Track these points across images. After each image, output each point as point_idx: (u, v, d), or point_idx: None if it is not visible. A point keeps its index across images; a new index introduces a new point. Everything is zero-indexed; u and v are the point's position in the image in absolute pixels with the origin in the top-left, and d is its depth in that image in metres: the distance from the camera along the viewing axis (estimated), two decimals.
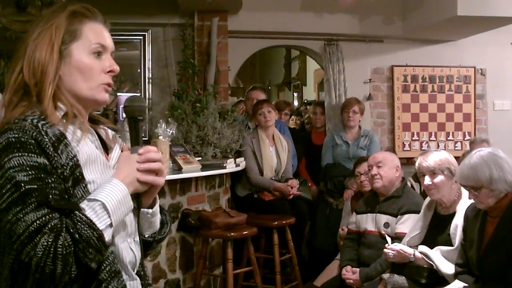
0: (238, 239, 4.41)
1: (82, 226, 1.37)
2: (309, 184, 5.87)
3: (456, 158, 3.61)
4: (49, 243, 1.32)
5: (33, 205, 1.34)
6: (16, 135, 1.39)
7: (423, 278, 3.41)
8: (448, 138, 7.19)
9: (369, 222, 4.09)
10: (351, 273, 3.96)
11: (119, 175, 1.49)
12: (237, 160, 4.95)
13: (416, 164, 3.58)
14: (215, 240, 4.72)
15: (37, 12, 5.00)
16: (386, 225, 3.96)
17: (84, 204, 1.41)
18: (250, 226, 4.45)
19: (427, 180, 3.47)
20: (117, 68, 1.60)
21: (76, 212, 1.38)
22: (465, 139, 7.15)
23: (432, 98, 7.18)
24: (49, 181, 1.39)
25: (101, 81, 1.57)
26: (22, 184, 1.35)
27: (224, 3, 5.94)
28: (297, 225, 5.06)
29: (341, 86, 6.74)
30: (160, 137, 4.04)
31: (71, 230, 1.35)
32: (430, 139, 7.14)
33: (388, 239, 3.66)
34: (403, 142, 7.08)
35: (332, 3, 6.60)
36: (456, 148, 7.09)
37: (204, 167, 4.59)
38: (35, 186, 1.36)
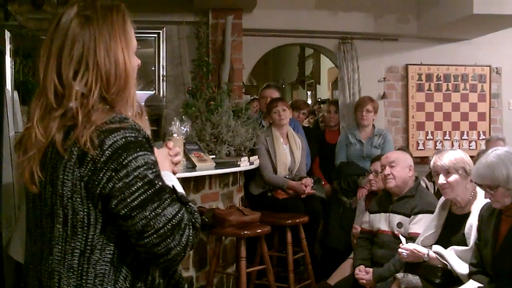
0: (251, 238, 4.40)
1: (197, 215, 1.53)
2: (323, 183, 5.86)
3: (471, 157, 3.58)
4: (190, 233, 1.46)
5: (168, 200, 1.45)
6: (133, 134, 1.43)
7: (437, 278, 3.39)
8: (463, 137, 7.15)
9: (382, 221, 4.07)
10: (364, 273, 3.94)
11: (166, 168, 1.62)
12: (251, 158, 4.95)
13: (431, 162, 3.56)
14: (229, 238, 4.72)
15: (53, 10, 5.00)
16: (399, 225, 3.93)
17: None
18: (263, 225, 4.44)
19: (441, 179, 3.45)
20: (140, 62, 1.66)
21: (190, 204, 1.53)
22: (480, 138, 7.11)
23: (447, 97, 7.13)
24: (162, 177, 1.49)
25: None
26: (156, 182, 1.43)
27: (238, 1, 5.95)
28: (311, 224, 5.05)
29: (355, 84, 6.72)
30: (174, 135, 4.05)
31: (193, 220, 1.50)
32: (445, 138, 7.10)
33: (403, 239, 3.63)
34: (417, 141, 7.05)
35: (346, 1, 6.59)
36: (470, 148, 7.05)
37: (218, 165, 4.59)
38: (162, 183, 1.45)
